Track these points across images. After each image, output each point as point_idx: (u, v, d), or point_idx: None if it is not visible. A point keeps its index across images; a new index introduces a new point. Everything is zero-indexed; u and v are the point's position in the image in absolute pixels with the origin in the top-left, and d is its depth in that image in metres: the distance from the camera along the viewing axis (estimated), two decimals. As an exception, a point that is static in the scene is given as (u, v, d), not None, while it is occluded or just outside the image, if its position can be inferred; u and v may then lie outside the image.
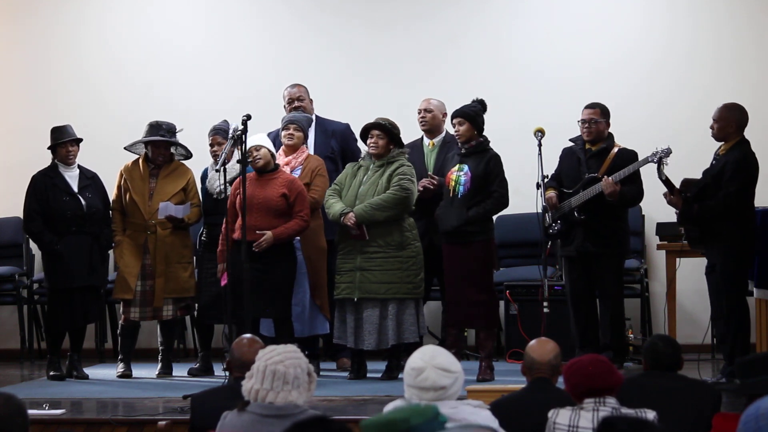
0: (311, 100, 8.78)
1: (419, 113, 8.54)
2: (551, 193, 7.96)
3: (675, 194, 7.56)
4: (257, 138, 7.90)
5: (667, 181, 7.58)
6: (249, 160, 7.67)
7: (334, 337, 8.01)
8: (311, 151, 8.49)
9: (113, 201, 8.51)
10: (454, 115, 7.94)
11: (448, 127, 8.44)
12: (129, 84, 10.08)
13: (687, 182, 7.64)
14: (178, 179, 8.48)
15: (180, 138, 8.54)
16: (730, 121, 7.48)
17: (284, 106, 8.71)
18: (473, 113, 7.90)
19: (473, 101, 8.02)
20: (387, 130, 7.98)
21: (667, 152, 7.64)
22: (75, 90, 10.12)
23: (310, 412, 4.29)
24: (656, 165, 7.64)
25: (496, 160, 7.91)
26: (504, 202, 7.96)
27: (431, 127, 8.52)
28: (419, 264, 7.92)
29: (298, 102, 8.65)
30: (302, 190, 7.89)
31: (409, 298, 7.87)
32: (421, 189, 8.12)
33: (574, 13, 9.81)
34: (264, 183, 7.86)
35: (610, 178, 7.73)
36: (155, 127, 8.43)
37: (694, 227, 7.64)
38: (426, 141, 8.57)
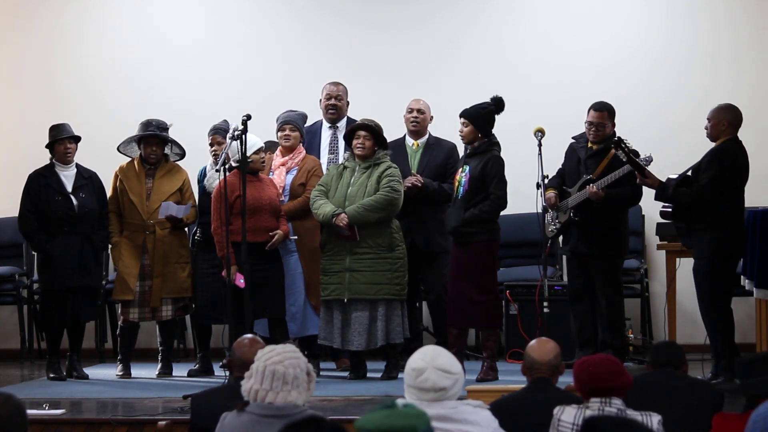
0: (348, 102, 8.79)
1: (410, 112, 8.53)
2: (550, 193, 7.95)
3: (648, 176, 7.54)
4: (254, 139, 7.90)
5: (631, 161, 7.53)
6: (249, 161, 7.67)
7: (319, 338, 8.01)
8: (341, 152, 8.52)
9: (109, 203, 8.50)
10: (461, 115, 7.94)
11: (431, 129, 8.55)
12: (129, 84, 10.08)
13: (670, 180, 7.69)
14: (173, 179, 8.48)
15: (179, 138, 8.55)
16: (721, 120, 7.50)
17: (320, 100, 8.71)
18: (479, 115, 7.88)
19: (492, 99, 7.97)
20: (374, 131, 7.99)
21: (648, 160, 7.61)
22: (75, 90, 10.12)
23: (310, 412, 4.29)
24: (613, 146, 7.60)
25: (495, 161, 7.90)
26: (502, 204, 7.95)
27: (421, 128, 8.53)
28: (405, 266, 7.97)
29: (335, 100, 8.66)
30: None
31: (396, 299, 7.90)
32: (409, 185, 8.13)
33: (575, 13, 9.82)
34: (259, 185, 7.88)
35: (593, 186, 7.73)
36: (145, 125, 8.46)
37: (678, 222, 7.65)
38: (410, 141, 8.57)
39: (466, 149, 8.02)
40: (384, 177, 7.93)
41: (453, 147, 8.42)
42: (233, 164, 7.75)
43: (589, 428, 3.49)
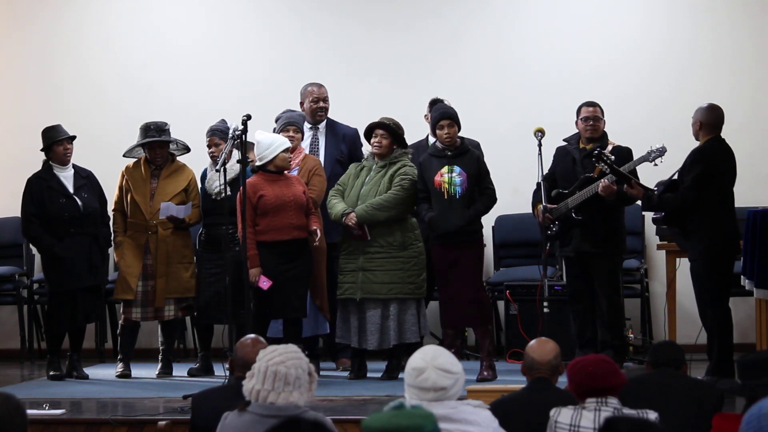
0: None
1: None
2: (540, 208, 7.87)
3: (634, 186, 7.56)
4: (281, 138, 7.90)
5: (615, 172, 7.55)
6: (268, 160, 7.69)
7: (337, 337, 8.03)
8: (322, 154, 8.51)
9: (115, 202, 8.51)
10: (445, 117, 7.91)
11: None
12: (129, 84, 10.08)
13: (660, 184, 7.71)
14: (179, 179, 8.48)
15: (177, 136, 8.54)
16: (697, 120, 7.54)
17: (302, 102, 8.66)
18: (457, 114, 7.93)
19: (437, 100, 8.07)
20: (391, 130, 7.98)
21: (662, 151, 7.64)
22: (75, 90, 10.12)
23: (311, 413, 4.29)
24: (595, 160, 7.62)
25: (482, 158, 8.00)
26: (495, 199, 8.01)
27: None
28: (421, 264, 7.93)
29: (323, 102, 8.64)
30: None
31: (410, 299, 7.88)
32: None
33: (574, 13, 9.82)
34: (284, 182, 7.83)
35: (606, 179, 7.72)
36: (145, 130, 8.44)
37: (671, 227, 7.66)
38: (433, 140, 8.55)
39: (440, 150, 7.95)
40: (397, 176, 7.93)
41: (477, 145, 8.37)
42: (257, 165, 7.76)
43: (609, 429, 3.51)
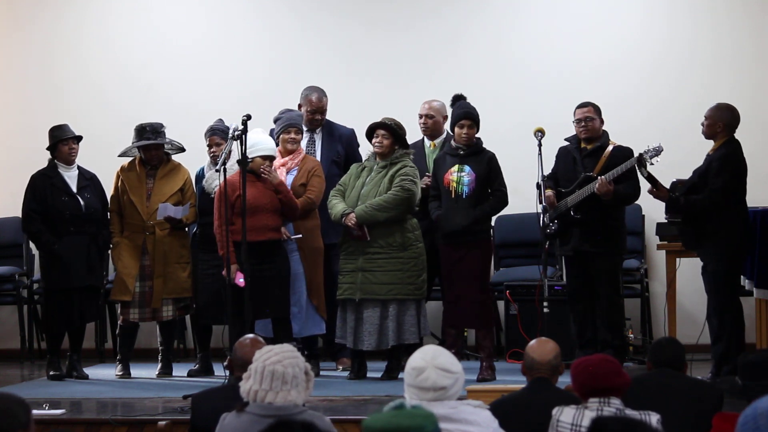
0: None
1: (420, 118, 8.53)
2: (549, 192, 7.94)
3: (660, 189, 7.59)
4: (271, 145, 7.89)
5: (650, 177, 7.60)
6: (250, 161, 7.66)
7: (336, 337, 8.03)
8: (318, 155, 8.51)
9: (110, 202, 8.50)
10: (466, 117, 7.92)
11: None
12: (129, 84, 10.08)
13: (676, 184, 7.70)
14: (175, 179, 8.48)
15: (179, 138, 8.55)
16: (717, 121, 7.55)
17: (300, 105, 8.65)
18: (478, 115, 7.92)
19: (459, 98, 8.05)
20: (392, 130, 7.98)
21: (658, 150, 7.64)
22: (76, 90, 10.12)
23: (309, 411, 4.29)
24: (636, 164, 7.65)
25: (495, 159, 7.97)
26: (505, 200, 8.02)
27: (432, 132, 8.51)
28: (421, 265, 7.92)
29: (320, 114, 8.62)
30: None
31: (410, 299, 7.87)
32: (423, 186, 8.12)
33: (574, 13, 9.82)
34: (261, 185, 7.82)
35: (603, 178, 7.73)
36: (140, 131, 8.43)
37: (685, 227, 7.67)
38: (427, 143, 8.56)
39: (454, 149, 7.96)
40: (397, 176, 7.92)
41: None
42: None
43: (597, 429, 3.50)
